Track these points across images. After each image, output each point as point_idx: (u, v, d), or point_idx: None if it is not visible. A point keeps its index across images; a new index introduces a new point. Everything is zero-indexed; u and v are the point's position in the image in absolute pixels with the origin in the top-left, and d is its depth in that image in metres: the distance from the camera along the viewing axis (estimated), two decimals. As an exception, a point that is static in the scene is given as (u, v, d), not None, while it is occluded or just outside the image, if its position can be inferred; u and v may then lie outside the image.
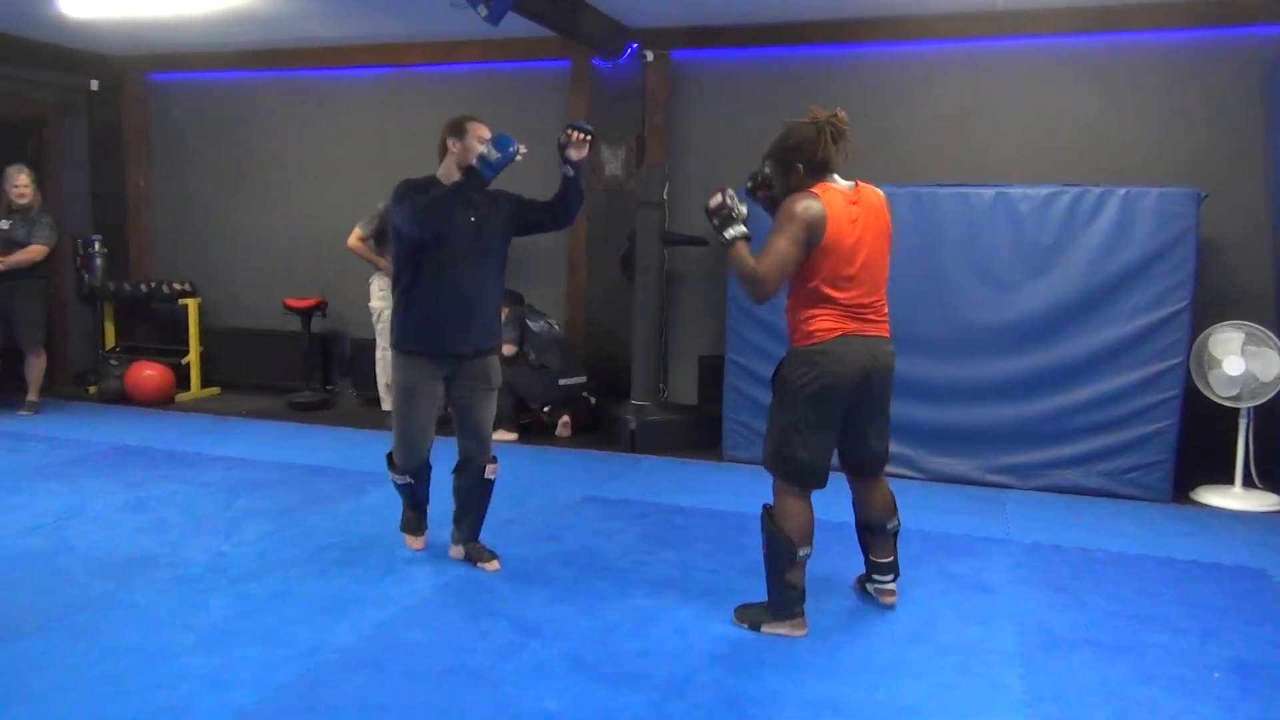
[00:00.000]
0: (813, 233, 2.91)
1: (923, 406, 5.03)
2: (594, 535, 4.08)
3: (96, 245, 7.31)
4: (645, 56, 6.24)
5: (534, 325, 6.05)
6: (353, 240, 6.17)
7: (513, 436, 5.94)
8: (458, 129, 3.44)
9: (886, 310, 3.12)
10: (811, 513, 3.08)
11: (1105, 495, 4.86)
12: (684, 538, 4.07)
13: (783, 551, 3.04)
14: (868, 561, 3.38)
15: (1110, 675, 2.86)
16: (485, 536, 3.75)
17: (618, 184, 6.34)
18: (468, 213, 3.37)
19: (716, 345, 6.03)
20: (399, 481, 3.68)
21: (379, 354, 6.17)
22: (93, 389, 7.15)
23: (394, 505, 3.88)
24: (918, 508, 4.48)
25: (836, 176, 3.04)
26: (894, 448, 4.97)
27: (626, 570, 3.66)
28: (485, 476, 3.61)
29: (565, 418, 6.10)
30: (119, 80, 7.54)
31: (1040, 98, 5.61)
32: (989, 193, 4.99)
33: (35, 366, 6.40)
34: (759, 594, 3.20)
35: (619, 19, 5.92)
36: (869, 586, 3.40)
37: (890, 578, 3.35)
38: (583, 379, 6.15)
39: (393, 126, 6.89)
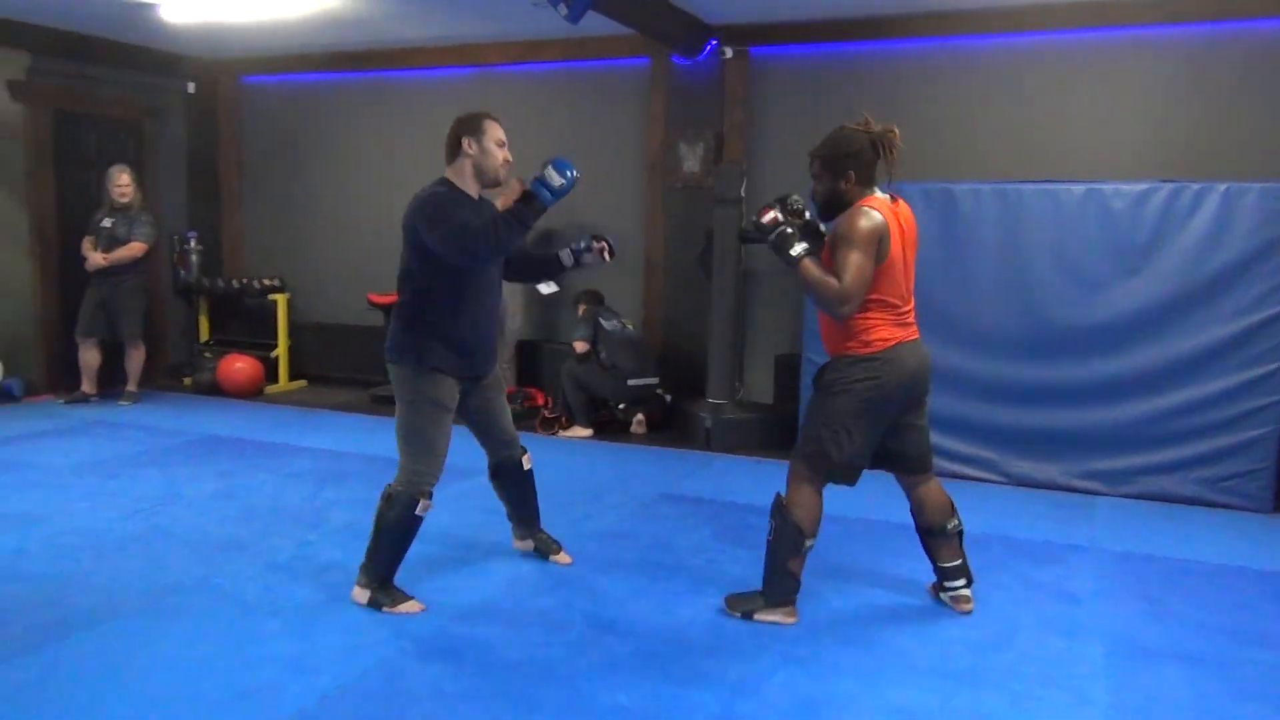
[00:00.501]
0: (882, 245, 2.98)
1: (1007, 409, 4.92)
2: (668, 533, 4.09)
3: (192, 242, 7.58)
4: (724, 53, 6.20)
5: (607, 324, 6.07)
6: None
7: (587, 433, 5.98)
8: (474, 127, 3.19)
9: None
10: (822, 506, 3.15)
11: (1200, 504, 4.67)
12: (759, 537, 3.98)
13: (791, 540, 3.10)
14: (936, 569, 3.32)
15: (1204, 691, 2.75)
16: (560, 533, 3.79)
17: (696, 181, 6.32)
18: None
19: (793, 344, 5.98)
20: (422, 514, 3.19)
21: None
22: (188, 381, 7.44)
23: (472, 498, 3.88)
24: (1000, 513, 4.37)
25: (876, 188, 3.10)
26: (977, 450, 4.97)
27: (700, 568, 3.66)
28: (525, 469, 3.64)
29: (640, 415, 6.12)
30: (214, 83, 7.82)
31: (1136, 91, 5.41)
32: (1079, 189, 4.83)
33: (135, 359, 6.68)
34: (832, 597, 3.20)
35: (698, 15, 5.90)
36: (943, 595, 3.34)
37: (962, 582, 3.28)
38: (654, 380, 6.14)
39: (474, 126, 6.98)
